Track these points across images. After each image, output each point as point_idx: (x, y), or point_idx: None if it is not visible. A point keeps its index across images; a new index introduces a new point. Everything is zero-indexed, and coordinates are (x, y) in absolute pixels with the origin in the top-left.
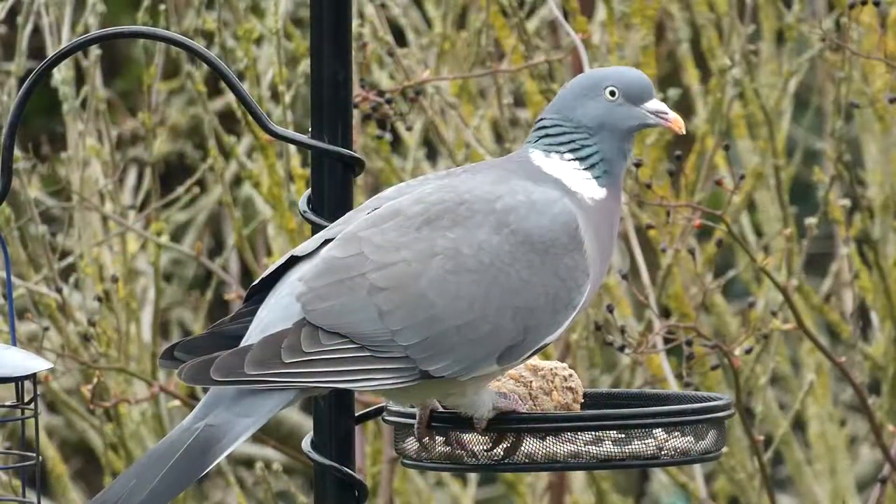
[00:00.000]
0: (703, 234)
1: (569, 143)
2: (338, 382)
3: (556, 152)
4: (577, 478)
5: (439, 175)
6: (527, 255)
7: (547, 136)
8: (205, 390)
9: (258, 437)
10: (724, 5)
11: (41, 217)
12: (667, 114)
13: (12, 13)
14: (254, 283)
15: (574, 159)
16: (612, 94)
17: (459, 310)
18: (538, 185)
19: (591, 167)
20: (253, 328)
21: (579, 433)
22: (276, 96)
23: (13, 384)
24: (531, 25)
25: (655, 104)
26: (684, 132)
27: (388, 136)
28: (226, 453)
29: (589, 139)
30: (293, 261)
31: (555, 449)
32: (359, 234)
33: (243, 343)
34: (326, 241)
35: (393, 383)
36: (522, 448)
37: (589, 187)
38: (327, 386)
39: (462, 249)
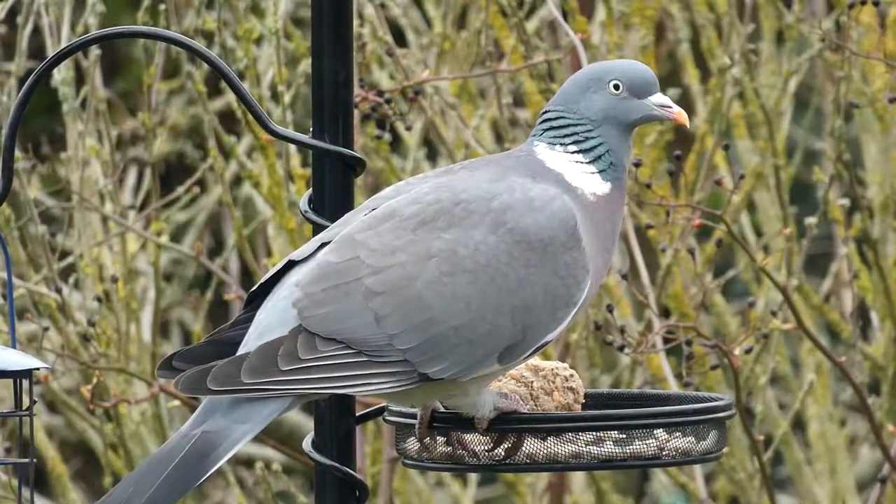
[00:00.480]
0: (703, 233)
1: (573, 135)
2: (336, 388)
3: (561, 144)
4: (577, 478)
5: (438, 172)
6: (524, 254)
7: (552, 128)
8: None
9: (258, 438)
10: (724, 5)
11: (41, 217)
12: (671, 107)
13: (12, 13)
14: (252, 289)
15: (578, 151)
16: (617, 87)
17: (456, 311)
18: (537, 182)
19: (595, 160)
20: (250, 333)
21: (580, 433)
22: (276, 96)
23: (12, 387)
24: (531, 26)
25: (660, 97)
26: (689, 125)
27: (387, 137)
28: (223, 460)
29: (593, 132)
30: (291, 265)
31: (556, 449)
32: (355, 236)
33: (241, 349)
34: (323, 244)
35: (392, 387)
36: (524, 448)
37: (591, 182)
38: (325, 392)
39: (458, 250)
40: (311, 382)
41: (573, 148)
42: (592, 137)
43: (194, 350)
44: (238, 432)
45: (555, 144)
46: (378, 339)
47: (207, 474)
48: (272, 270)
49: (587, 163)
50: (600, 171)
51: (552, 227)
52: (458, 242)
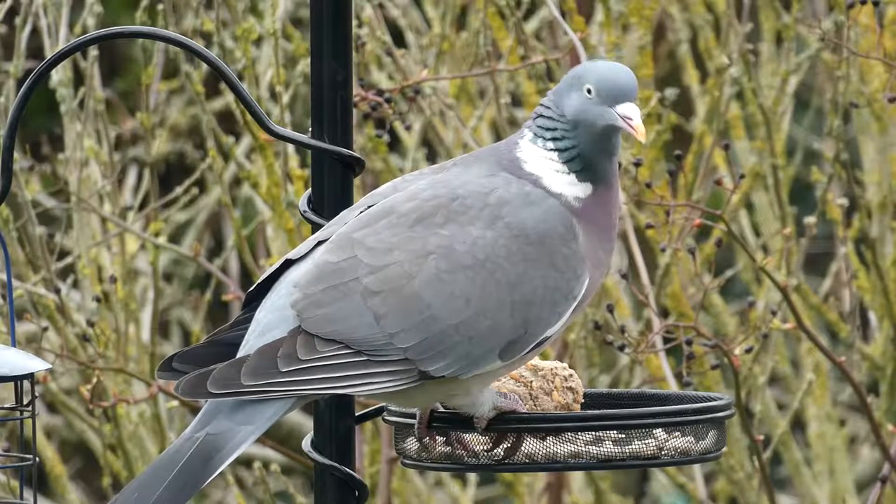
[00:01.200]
0: (702, 233)
1: (552, 130)
2: (336, 388)
3: (542, 138)
4: (577, 478)
5: (433, 169)
6: (523, 248)
7: (541, 116)
8: None
9: (258, 438)
10: (722, 5)
11: (40, 218)
12: (632, 119)
13: (11, 14)
14: (250, 290)
15: (554, 150)
16: (589, 91)
17: (456, 308)
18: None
19: (569, 161)
20: (250, 333)
21: (580, 433)
22: (275, 96)
23: (12, 386)
24: (530, 26)
25: (626, 108)
26: (645, 141)
27: (385, 137)
28: (228, 462)
29: (569, 132)
30: (288, 264)
31: (555, 449)
32: (352, 235)
33: (241, 350)
34: (320, 243)
35: (392, 386)
36: (523, 448)
37: (566, 183)
38: (326, 392)
39: (456, 246)
40: (311, 383)
41: (550, 145)
42: (567, 137)
43: (194, 351)
44: (242, 434)
45: (538, 137)
46: (378, 338)
47: (212, 477)
48: (269, 270)
49: (562, 162)
50: (575, 172)
51: (549, 221)
52: (456, 238)
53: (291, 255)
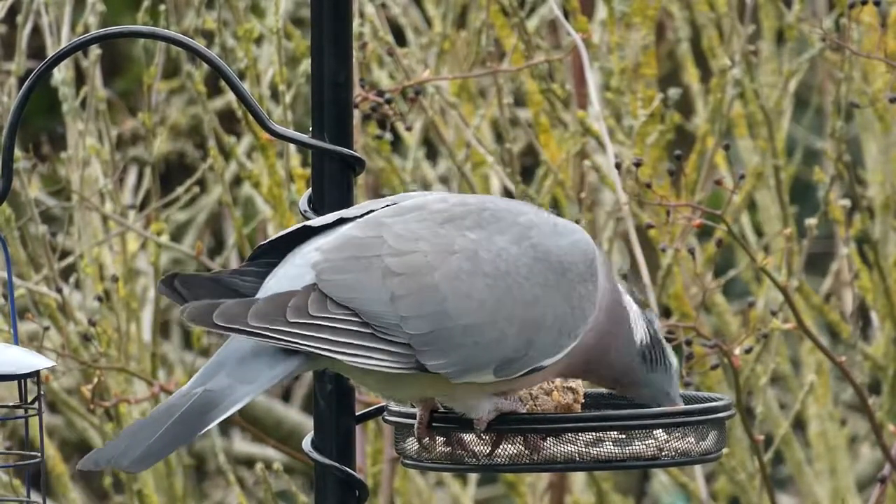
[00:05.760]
0: (704, 233)
1: None
2: (335, 353)
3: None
4: (578, 478)
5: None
6: (543, 273)
7: None
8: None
9: (258, 437)
10: (724, 5)
11: (41, 217)
12: None
13: (12, 12)
14: (262, 243)
15: None
16: None
17: (469, 309)
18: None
19: None
20: (264, 288)
21: (580, 434)
22: (276, 96)
23: (15, 384)
24: (532, 25)
25: None
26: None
27: (388, 136)
28: (224, 416)
29: None
30: (305, 232)
31: (555, 450)
32: (382, 219)
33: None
34: (342, 219)
35: (389, 366)
36: (522, 448)
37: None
38: (325, 354)
39: (481, 252)
40: (314, 341)
41: None
42: None
43: (196, 279)
44: (241, 391)
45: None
46: (389, 317)
47: (206, 429)
48: (286, 231)
49: None
50: None
51: (573, 254)
52: (481, 245)
53: (311, 222)
